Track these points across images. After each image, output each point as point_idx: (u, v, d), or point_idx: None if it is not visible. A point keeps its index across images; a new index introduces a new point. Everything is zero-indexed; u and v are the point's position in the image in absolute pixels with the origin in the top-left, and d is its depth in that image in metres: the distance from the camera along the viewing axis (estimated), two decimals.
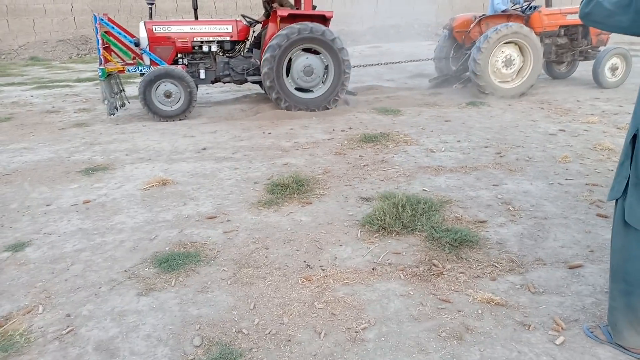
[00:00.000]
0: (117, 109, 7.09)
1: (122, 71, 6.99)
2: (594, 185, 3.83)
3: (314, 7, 7.12)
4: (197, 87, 7.08)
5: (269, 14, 7.63)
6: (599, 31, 7.85)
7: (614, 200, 2.01)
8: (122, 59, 7.24)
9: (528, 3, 8.03)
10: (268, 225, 3.44)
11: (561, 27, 7.88)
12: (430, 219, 3.28)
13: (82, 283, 2.74)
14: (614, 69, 7.76)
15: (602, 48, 8.00)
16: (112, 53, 7.12)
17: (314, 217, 3.55)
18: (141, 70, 6.96)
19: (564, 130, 5.51)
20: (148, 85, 6.62)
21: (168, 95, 6.73)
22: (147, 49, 6.97)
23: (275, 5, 7.37)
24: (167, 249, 3.12)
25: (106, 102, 6.84)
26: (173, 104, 6.81)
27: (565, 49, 8.10)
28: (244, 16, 7.55)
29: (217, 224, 3.50)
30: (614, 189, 1.99)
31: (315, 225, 3.42)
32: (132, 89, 8.90)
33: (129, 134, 6.10)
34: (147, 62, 7.04)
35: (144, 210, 3.77)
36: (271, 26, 7.09)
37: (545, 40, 7.82)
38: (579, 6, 2.00)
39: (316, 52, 7.01)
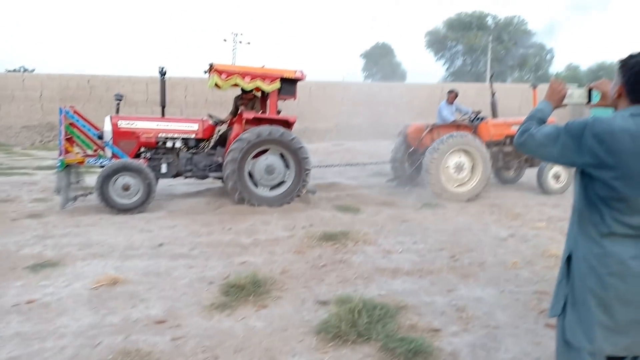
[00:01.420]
0: (72, 201, 6.99)
1: (82, 162, 7.00)
2: (542, 293, 3.95)
3: (279, 112, 7.52)
4: (158, 181, 7.13)
5: (236, 111, 7.98)
6: None
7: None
8: (83, 150, 7.27)
9: (475, 114, 8.73)
10: (220, 332, 3.32)
11: (507, 136, 8.54)
12: (385, 327, 3.26)
13: None
14: (557, 177, 8.34)
15: None
16: (74, 144, 7.15)
17: (268, 322, 3.47)
18: (102, 163, 7.00)
19: (514, 236, 5.75)
20: (106, 179, 6.62)
21: (126, 188, 6.73)
22: (111, 142, 7.06)
23: (242, 108, 7.74)
24: (110, 357, 2.94)
25: (61, 193, 6.77)
26: (131, 196, 6.78)
27: (512, 157, 8.71)
28: (210, 115, 7.85)
29: (166, 329, 3.36)
30: (554, 306, 2.06)
31: (270, 331, 3.33)
32: (91, 179, 8.84)
33: (84, 227, 5.96)
34: (109, 154, 7.10)
35: (90, 312, 3.59)
36: (236, 127, 7.40)
37: (493, 148, 8.42)
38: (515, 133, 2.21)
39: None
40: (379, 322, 3.33)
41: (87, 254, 4.93)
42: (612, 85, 2.01)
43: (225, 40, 36.20)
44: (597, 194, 1.88)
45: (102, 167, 6.87)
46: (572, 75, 43.64)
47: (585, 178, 1.93)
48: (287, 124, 7.33)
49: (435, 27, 47.79)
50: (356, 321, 3.29)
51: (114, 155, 7.04)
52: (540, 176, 8.29)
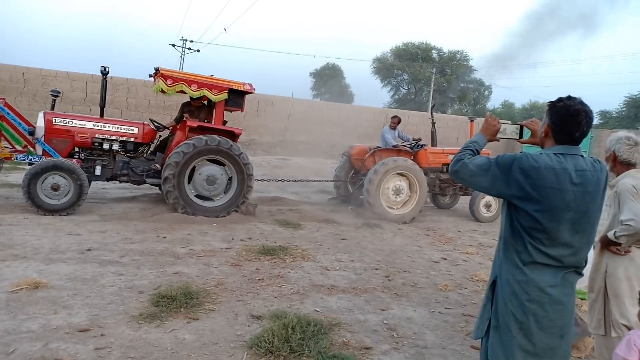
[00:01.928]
0: None
1: (9, 158, 6.56)
2: (469, 316, 4.12)
3: (225, 123, 7.43)
4: (90, 183, 6.80)
5: (181, 118, 7.80)
6: None
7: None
8: (12, 145, 6.82)
9: (416, 141, 9.08)
10: (147, 343, 3.19)
11: (444, 164, 8.93)
12: (318, 344, 3.27)
13: None
14: (488, 206, 8.79)
15: None
16: (2, 138, 6.70)
17: (199, 335, 3.38)
18: (31, 160, 6.60)
19: (445, 259, 5.98)
20: (34, 178, 6.24)
21: (55, 188, 6.37)
22: (42, 139, 6.67)
23: (186, 115, 7.58)
24: None
25: None
26: (60, 197, 6.43)
27: (448, 184, 9.09)
28: (152, 120, 7.63)
29: (89, 338, 3.19)
30: (479, 328, 2.17)
31: (199, 345, 3.24)
32: (18, 176, 8.29)
33: (6, 226, 5.55)
34: (39, 152, 6.70)
35: (7, 317, 3.34)
36: (179, 134, 7.24)
37: (430, 175, 8.76)
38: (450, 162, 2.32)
39: (219, 163, 7.17)
40: (312, 338, 3.33)
41: (8, 255, 4.60)
42: (540, 124, 2.16)
43: (173, 45, 35.23)
44: (521, 224, 2.00)
45: (31, 164, 6.46)
46: (507, 112, 46.34)
47: (511, 209, 2.05)
48: (233, 136, 7.25)
49: (383, 54, 49.31)
50: (289, 337, 3.28)
51: (45, 153, 6.65)
52: (472, 204, 8.70)
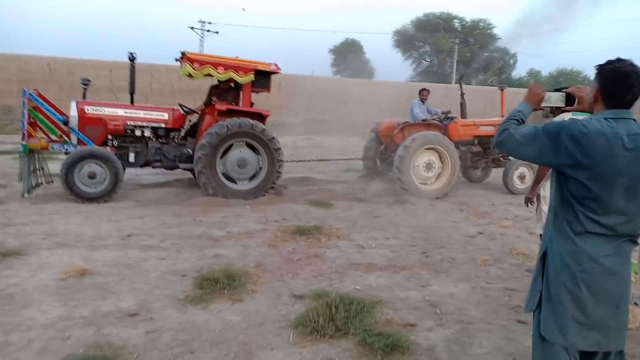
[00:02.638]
0: (34, 188, 6.71)
1: (46, 148, 6.72)
2: (512, 290, 4.07)
3: (252, 105, 7.42)
4: (125, 170, 6.92)
5: (209, 101, 7.83)
6: None
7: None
8: (47, 135, 6.98)
9: (445, 114, 8.90)
10: (195, 326, 3.26)
11: (475, 137, 8.75)
12: (362, 322, 3.29)
13: None
14: (522, 177, 8.60)
15: (511, 158, 8.89)
16: (38, 129, 6.85)
17: (244, 316, 3.44)
18: (67, 149, 6.75)
19: (482, 233, 5.90)
20: (71, 167, 6.38)
21: (92, 176, 6.50)
22: (77, 128, 6.80)
23: (214, 99, 7.59)
24: (81, 351, 2.84)
25: (22, 180, 6.47)
26: (97, 185, 6.56)
27: (479, 157, 8.92)
28: (181, 105, 7.68)
29: (139, 322, 3.28)
30: (530, 301, 2.13)
31: (246, 326, 3.30)
32: (55, 166, 8.48)
33: (47, 216, 5.72)
34: (75, 141, 6.84)
35: (59, 304, 3.46)
36: (208, 118, 7.27)
37: (461, 148, 8.59)
38: (494, 132, 2.26)
39: (250, 146, 7.19)
40: (356, 317, 3.35)
41: (53, 244, 4.74)
42: (589, 89, 2.07)
43: (192, 28, 35.23)
44: (571, 193, 1.95)
45: (67, 153, 6.61)
46: (534, 80, 45.10)
47: (560, 178, 2.00)
48: (261, 117, 7.25)
49: (404, 26, 48.29)
50: (334, 316, 3.30)
51: (80, 142, 6.78)
52: (505, 176, 8.52)
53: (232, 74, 7.02)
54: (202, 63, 6.92)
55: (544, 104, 2.27)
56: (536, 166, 4.51)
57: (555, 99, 2.28)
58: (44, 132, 6.95)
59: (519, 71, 55.78)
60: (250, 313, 3.49)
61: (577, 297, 1.95)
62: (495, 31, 46.26)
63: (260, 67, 7.14)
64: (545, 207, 4.12)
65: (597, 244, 1.93)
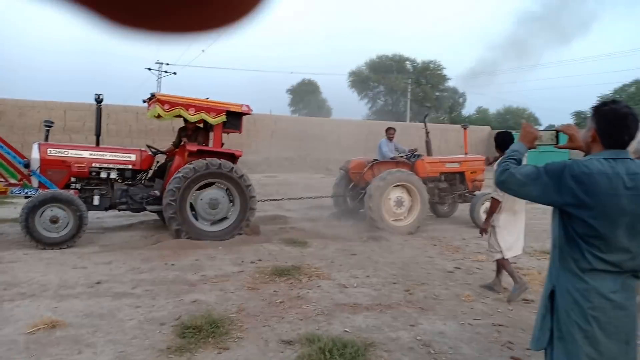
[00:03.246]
0: None
1: (4, 192, 6.33)
2: (500, 325, 4.08)
3: (222, 145, 7.34)
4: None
5: (179, 143, 7.68)
6: (474, 177, 9.05)
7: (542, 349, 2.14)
8: (5, 179, 6.59)
9: (412, 152, 9.11)
10: None
11: (441, 173, 8.97)
12: None
13: None
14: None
15: (477, 193, 9.15)
16: None
17: None
18: (27, 193, 6.38)
19: (459, 268, 5.95)
20: (32, 211, 6.02)
21: (54, 220, 6.15)
22: (38, 171, 6.47)
23: (184, 140, 7.45)
24: None
25: None
26: (60, 229, 6.21)
27: (446, 192, 9.12)
28: (149, 146, 7.48)
29: None
30: (539, 339, 2.13)
31: None
32: (7, 211, 8.01)
33: (6, 264, 5.32)
34: (36, 184, 6.49)
35: None
36: (178, 159, 7.10)
37: (429, 184, 8.77)
38: (494, 174, 2.29)
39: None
40: None
41: (15, 294, 4.39)
42: (585, 129, 2.15)
43: (150, 69, 34.97)
44: (576, 232, 1.98)
45: (27, 197, 6.25)
46: (482, 118, 47.21)
47: (564, 217, 2.04)
48: (233, 158, 7.16)
49: (358, 67, 49.85)
50: None
51: (42, 185, 6.44)
52: (472, 211, 8.73)
53: (203, 115, 6.94)
54: (172, 105, 6.81)
55: (537, 143, 2.33)
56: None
57: (546, 137, 2.40)
58: (2, 175, 6.57)
59: (469, 109, 58.44)
60: None
61: (589, 335, 1.96)
62: (445, 72, 48.47)
63: (232, 109, 7.10)
64: (499, 237, 4.78)
65: (605, 280, 1.96)
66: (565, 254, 2.04)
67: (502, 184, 2.17)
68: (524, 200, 4.50)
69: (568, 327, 2.01)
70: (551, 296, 2.10)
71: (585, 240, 1.96)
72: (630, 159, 2.01)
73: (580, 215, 1.95)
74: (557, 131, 2.36)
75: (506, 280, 5.02)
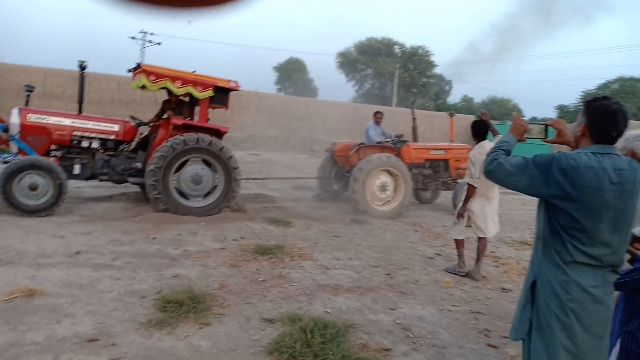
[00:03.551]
0: None
1: None
2: (477, 312, 4.17)
3: (207, 120, 7.22)
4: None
5: (162, 114, 7.53)
6: (458, 165, 9.12)
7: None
8: None
9: (398, 137, 9.13)
10: (162, 352, 3.06)
11: (426, 160, 9.02)
12: (340, 347, 3.21)
13: None
14: None
15: (460, 180, 9.23)
16: None
17: (214, 341, 3.26)
18: (5, 158, 6.24)
19: (439, 255, 6.03)
20: (10, 177, 5.88)
21: (34, 188, 6.02)
22: (17, 136, 6.29)
23: (170, 112, 7.30)
24: None
25: None
26: (39, 197, 6.08)
27: (430, 179, 9.19)
28: (133, 117, 7.33)
29: (101, 348, 3.02)
30: (519, 329, 2.18)
31: (217, 352, 3.13)
32: None
33: None
34: (14, 150, 6.32)
35: (6, 328, 3.13)
36: (162, 131, 6.97)
37: (413, 170, 8.82)
38: (483, 163, 2.30)
39: (205, 162, 6.97)
40: (332, 341, 3.27)
41: None
42: (574, 124, 2.17)
43: (133, 38, 34.06)
44: (560, 224, 2.02)
45: (6, 163, 6.08)
46: (467, 106, 47.49)
47: (549, 208, 2.07)
48: (218, 134, 7.06)
49: (347, 49, 49.44)
50: (310, 341, 3.21)
51: (21, 151, 6.27)
52: (455, 199, 8.78)
53: (190, 89, 6.79)
54: (159, 76, 6.64)
55: (525, 135, 2.36)
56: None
57: (536, 131, 2.39)
58: None
59: (454, 97, 58.69)
60: (220, 338, 3.33)
61: (567, 326, 2.01)
62: (433, 58, 48.42)
63: (220, 84, 6.96)
64: (478, 220, 5.12)
65: (585, 273, 2.00)
66: (549, 246, 2.07)
67: (490, 173, 2.18)
68: (497, 186, 4.72)
69: (547, 318, 2.05)
70: (532, 287, 2.13)
71: (568, 233, 1.99)
72: (618, 155, 2.04)
73: (565, 207, 1.98)
74: (547, 125, 2.37)
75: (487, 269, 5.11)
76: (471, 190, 5.03)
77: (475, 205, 5.12)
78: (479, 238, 5.20)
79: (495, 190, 5.15)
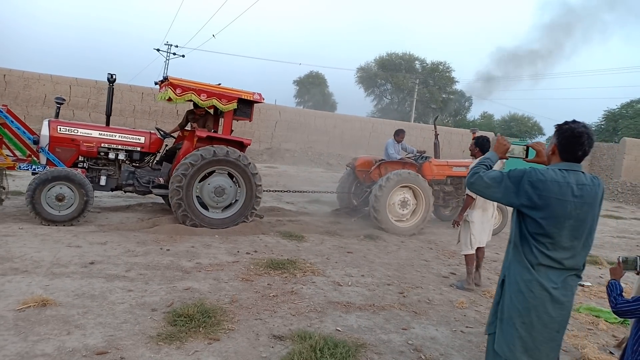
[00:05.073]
0: None
1: (12, 168, 6.31)
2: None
3: (231, 132, 7.29)
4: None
5: (185, 124, 7.64)
6: None
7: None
8: (14, 154, 6.57)
9: (420, 153, 9.06)
10: None
11: (448, 176, 8.91)
12: None
13: None
14: None
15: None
16: (4, 146, 6.44)
17: (223, 358, 3.23)
18: (35, 169, 6.37)
19: (454, 274, 5.92)
20: (42, 184, 6.01)
21: (60, 199, 6.13)
22: (47, 148, 6.45)
23: (195, 125, 7.40)
24: None
25: None
26: (63, 208, 6.18)
27: (451, 196, 9.08)
28: (158, 129, 7.44)
29: None
30: (492, 324, 2.47)
31: None
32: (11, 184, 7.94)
33: (1, 237, 5.28)
34: (43, 161, 6.47)
35: (17, 338, 3.14)
36: (186, 144, 7.08)
37: (434, 187, 8.73)
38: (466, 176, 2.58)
39: (229, 175, 7.03)
40: None
41: (8, 269, 4.36)
42: (548, 144, 2.43)
43: (158, 50, 34.76)
44: (528, 230, 2.30)
45: (35, 174, 6.22)
46: (487, 123, 47.08)
47: (520, 216, 2.35)
48: (241, 146, 7.11)
49: (367, 63, 49.61)
50: None
51: (49, 163, 6.41)
52: None
53: (215, 102, 6.87)
54: (185, 89, 6.73)
55: (508, 154, 2.65)
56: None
57: (518, 151, 2.66)
58: (10, 150, 6.54)
59: (474, 113, 58.24)
60: (229, 354, 3.29)
61: (527, 321, 2.28)
62: (453, 74, 48.24)
63: (244, 96, 7.03)
64: (474, 230, 5.34)
65: (548, 275, 2.27)
66: (518, 249, 2.35)
67: (471, 185, 2.47)
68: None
69: (510, 312, 2.33)
70: (502, 284, 2.43)
71: (534, 238, 2.27)
72: (582, 172, 2.32)
73: (533, 215, 2.26)
74: (528, 147, 2.58)
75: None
76: (469, 200, 5.23)
77: (475, 216, 5.32)
78: (477, 248, 5.42)
79: (492, 202, 5.29)
